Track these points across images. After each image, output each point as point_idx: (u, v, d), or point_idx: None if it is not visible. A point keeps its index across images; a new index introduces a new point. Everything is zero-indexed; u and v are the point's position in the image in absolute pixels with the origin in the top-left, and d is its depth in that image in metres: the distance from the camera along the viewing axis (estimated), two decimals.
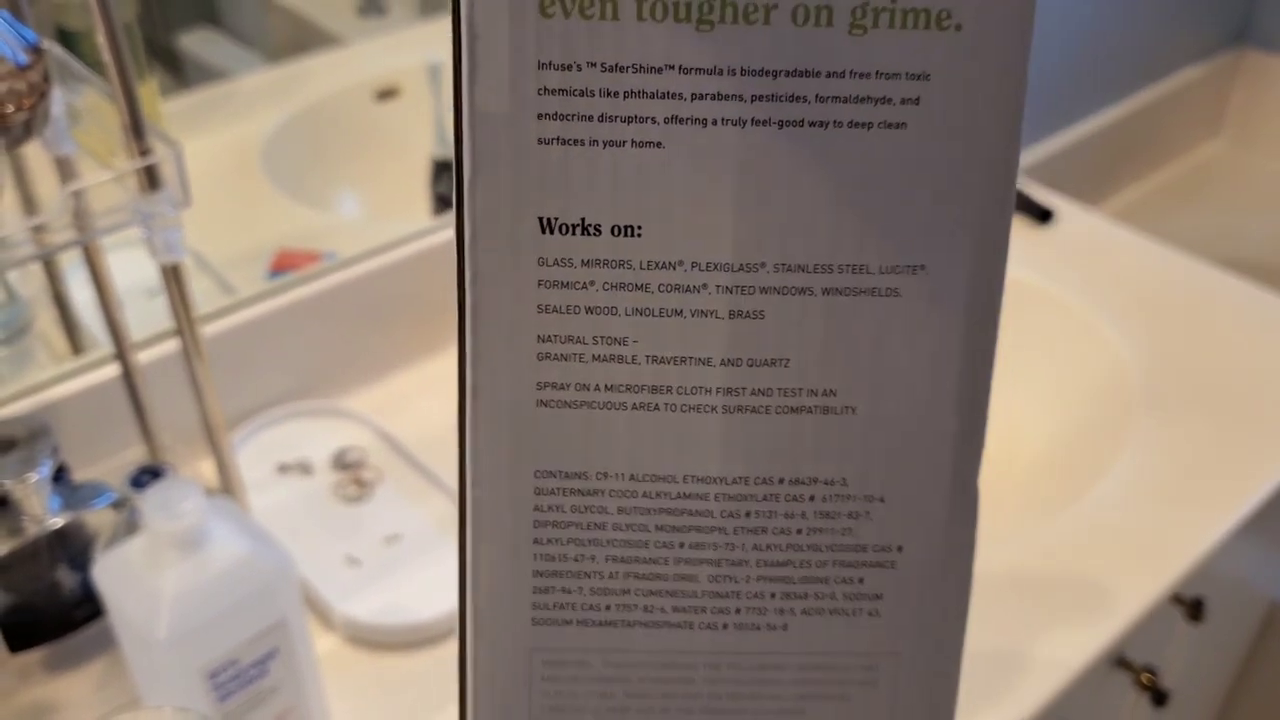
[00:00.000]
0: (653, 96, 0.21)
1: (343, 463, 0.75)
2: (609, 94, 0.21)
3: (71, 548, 0.57)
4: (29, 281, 0.71)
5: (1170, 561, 0.71)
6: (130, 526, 0.56)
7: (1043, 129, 1.34)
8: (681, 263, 0.22)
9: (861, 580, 0.24)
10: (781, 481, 0.23)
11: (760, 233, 0.21)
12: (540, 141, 0.21)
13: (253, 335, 0.75)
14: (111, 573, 0.51)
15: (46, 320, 0.72)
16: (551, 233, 0.21)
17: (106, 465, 0.66)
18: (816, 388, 0.22)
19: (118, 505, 0.58)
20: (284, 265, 0.80)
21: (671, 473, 0.23)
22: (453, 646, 0.31)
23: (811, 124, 0.21)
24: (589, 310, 0.22)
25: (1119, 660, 0.76)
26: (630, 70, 0.20)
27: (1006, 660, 0.65)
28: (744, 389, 0.22)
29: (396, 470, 0.75)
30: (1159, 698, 0.77)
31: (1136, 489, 0.76)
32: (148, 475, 0.61)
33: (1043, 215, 1.01)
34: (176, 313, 0.57)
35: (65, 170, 0.57)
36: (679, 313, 0.22)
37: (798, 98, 0.21)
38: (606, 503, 0.23)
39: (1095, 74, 1.38)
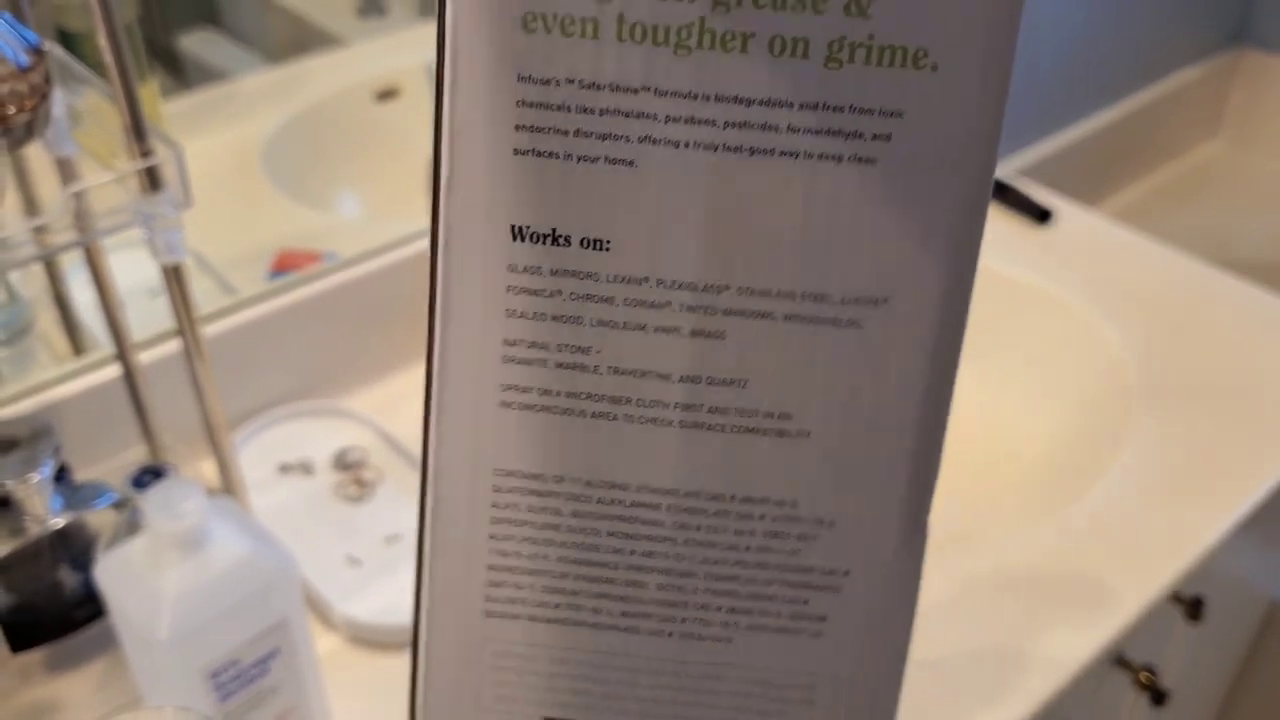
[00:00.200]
0: (628, 116, 0.21)
1: (344, 463, 0.75)
2: (585, 110, 0.21)
3: (73, 548, 0.58)
4: (30, 282, 0.71)
5: (1169, 560, 0.71)
6: (132, 526, 0.57)
7: (1042, 129, 1.34)
8: (648, 279, 0.22)
9: (806, 601, 0.24)
10: (733, 499, 0.23)
11: (726, 256, 0.22)
12: (516, 152, 0.21)
13: (254, 335, 0.75)
14: (113, 573, 0.51)
15: (48, 321, 0.72)
16: (523, 241, 0.22)
17: (108, 465, 0.66)
18: (772, 410, 0.23)
19: (119, 505, 0.58)
20: (285, 266, 0.81)
21: (626, 481, 0.23)
22: None
23: (782, 153, 0.21)
24: (555, 318, 0.22)
25: (1118, 659, 0.76)
26: (608, 89, 0.21)
27: (1006, 659, 0.65)
28: (702, 406, 0.23)
29: (397, 470, 0.75)
30: (1158, 697, 0.77)
31: (1135, 488, 0.76)
32: (149, 475, 0.61)
33: (1042, 215, 1.01)
34: (178, 313, 0.57)
35: (66, 171, 0.57)
36: (643, 327, 0.22)
37: (770, 127, 0.21)
38: (561, 505, 0.24)
39: (1094, 74, 1.38)
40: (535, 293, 0.22)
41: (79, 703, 0.60)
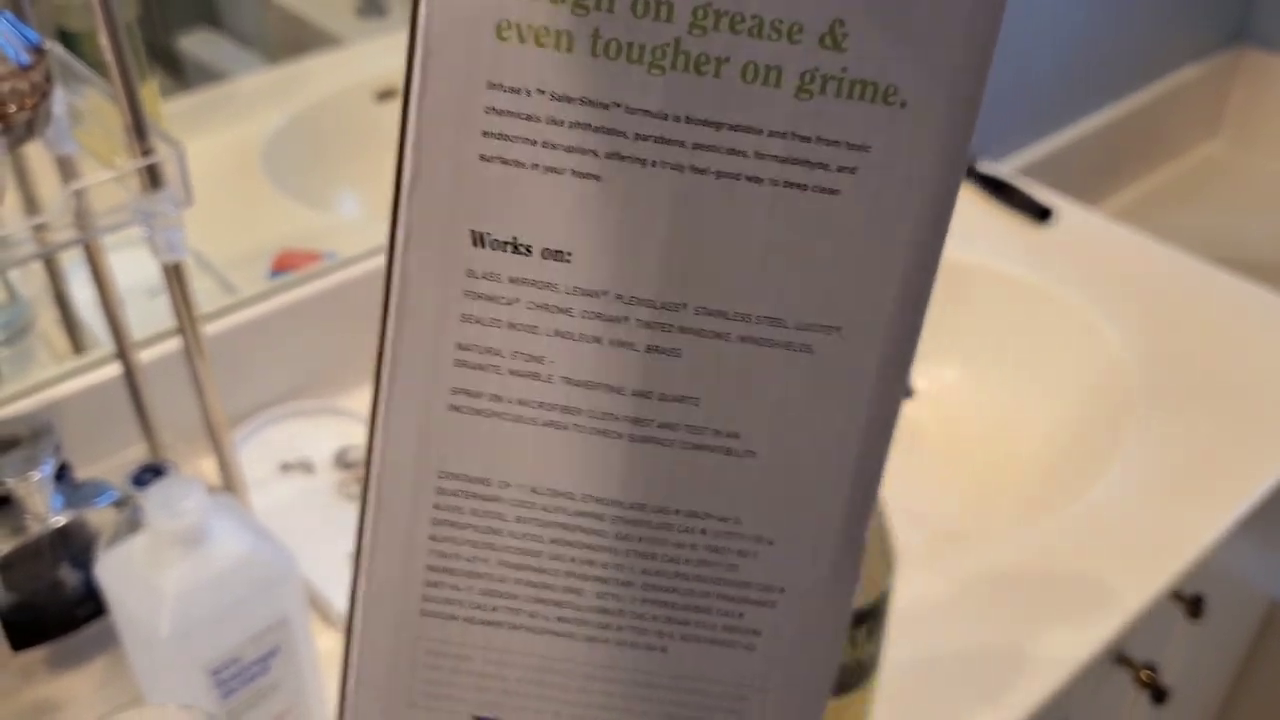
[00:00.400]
0: (597, 131, 0.21)
1: (344, 461, 0.75)
2: (554, 122, 0.21)
3: (74, 546, 0.58)
4: (31, 281, 0.71)
5: (1170, 559, 0.71)
6: (132, 525, 0.57)
7: (1042, 128, 1.34)
8: (606, 293, 0.22)
9: (741, 615, 0.25)
10: (677, 513, 0.24)
11: (685, 275, 0.22)
12: (482, 158, 0.21)
13: (254, 335, 0.75)
14: (114, 571, 0.51)
15: (48, 320, 0.72)
16: (483, 247, 0.22)
17: (108, 464, 0.66)
18: (721, 429, 0.23)
19: (120, 504, 0.58)
20: (285, 265, 0.81)
21: (571, 490, 0.24)
22: None
23: (748, 179, 0.21)
24: (511, 326, 0.22)
25: (1119, 657, 0.76)
26: (578, 102, 0.21)
27: (1007, 657, 0.65)
28: (652, 421, 0.23)
29: None
30: (1159, 695, 0.77)
31: (1136, 486, 0.76)
32: (150, 474, 0.61)
33: (1042, 214, 1.01)
34: (178, 312, 0.57)
35: (67, 170, 0.57)
36: (597, 340, 0.22)
37: (737, 151, 0.21)
38: (505, 510, 0.24)
39: (1094, 73, 1.38)
40: (492, 299, 0.22)
41: (80, 701, 0.60)
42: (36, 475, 0.55)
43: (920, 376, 0.87)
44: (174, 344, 0.63)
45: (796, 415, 0.23)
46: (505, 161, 0.21)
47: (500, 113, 0.21)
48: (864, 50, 0.20)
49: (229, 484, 0.64)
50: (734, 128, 0.21)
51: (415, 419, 0.23)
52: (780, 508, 0.24)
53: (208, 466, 0.67)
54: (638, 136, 0.21)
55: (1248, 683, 1.13)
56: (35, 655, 0.61)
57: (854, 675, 0.53)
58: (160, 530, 0.49)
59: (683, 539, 0.24)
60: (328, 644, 0.65)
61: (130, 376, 0.65)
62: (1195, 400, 0.83)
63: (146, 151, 0.51)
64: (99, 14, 0.48)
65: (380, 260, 0.80)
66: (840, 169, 0.21)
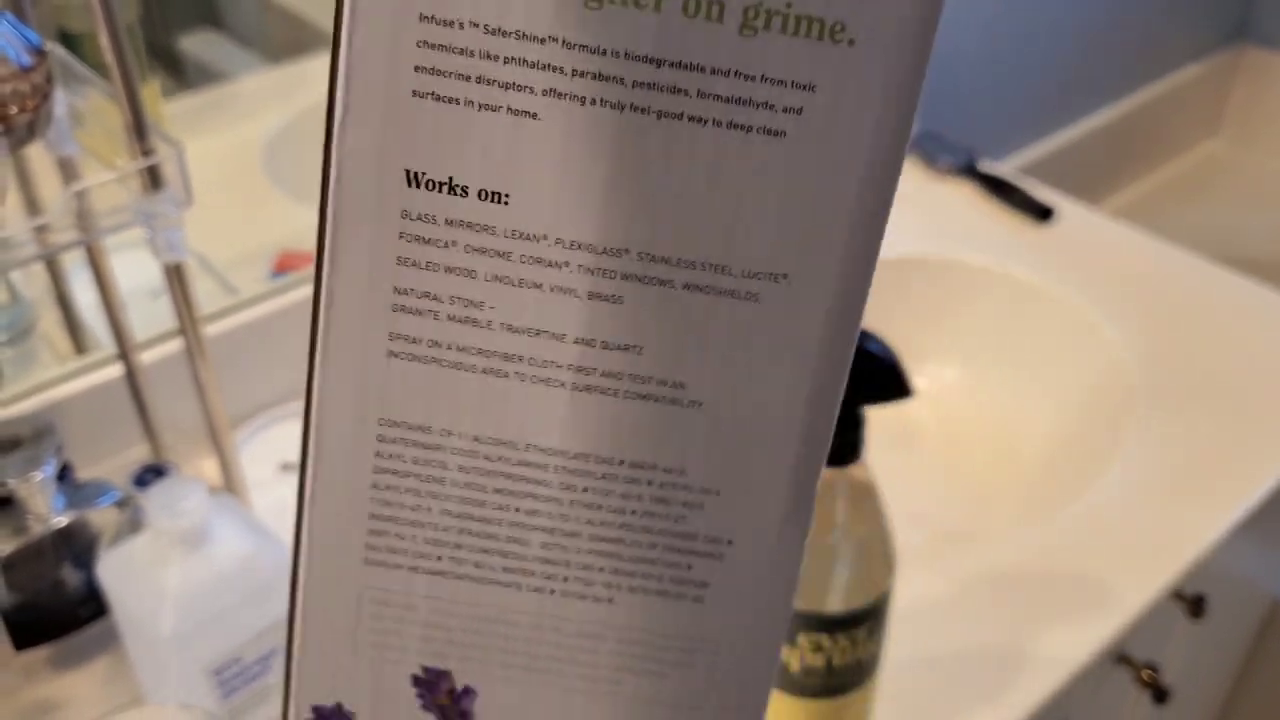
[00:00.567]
0: (533, 67, 0.20)
1: None
2: (489, 57, 0.20)
3: (76, 546, 0.58)
4: (33, 283, 0.72)
5: (1171, 558, 0.71)
6: (134, 525, 0.57)
7: (1043, 127, 1.34)
8: (546, 237, 0.21)
9: (689, 567, 0.24)
10: (621, 464, 0.23)
11: (627, 219, 0.21)
12: (415, 95, 0.20)
13: (255, 335, 0.75)
14: (115, 571, 0.51)
15: (50, 321, 0.72)
16: (417, 187, 0.21)
17: (110, 464, 0.66)
18: (666, 379, 0.23)
19: (121, 504, 0.58)
20: (286, 266, 0.81)
21: (514, 439, 0.23)
22: None
23: (690, 119, 0.21)
24: (448, 270, 0.22)
25: (1120, 657, 0.76)
26: (514, 36, 0.20)
27: (1007, 657, 0.66)
28: (595, 370, 0.23)
29: None
30: (1160, 695, 0.77)
31: (1137, 485, 0.76)
32: (151, 474, 0.61)
33: (1043, 213, 1.01)
34: (179, 312, 0.57)
35: (68, 171, 0.57)
36: (538, 285, 0.22)
37: (679, 90, 0.20)
38: (448, 459, 0.23)
39: (1095, 72, 1.38)
40: (428, 241, 0.21)
41: (82, 700, 0.60)
42: (38, 476, 0.55)
43: (920, 376, 0.87)
44: (175, 345, 0.63)
45: (744, 365, 0.23)
46: (439, 98, 0.20)
47: (433, 46, 0.20)
48: None
49: (230, 484, 0.65)
50: (675, 65, 0.20)
51: (353, 365, 0.22)
52: (727, 459, 0.23)
53: (209, 467, 0.67)
54: (575, 73, 0.20)
55: (1249, 683, 1.13)
56: (37, 655, 0.61)
57: (854, 675, 0.53)
58: (161, 530, 0.49)
59: (628, 490, 0.24)
60: None
61: (132, 377, 0.65)
62: (1196, 399, 0.83)
63: (147, 152, 0.52)
64: (99, 15, 0.48)
65: None
66: (786, 109, 0.21)
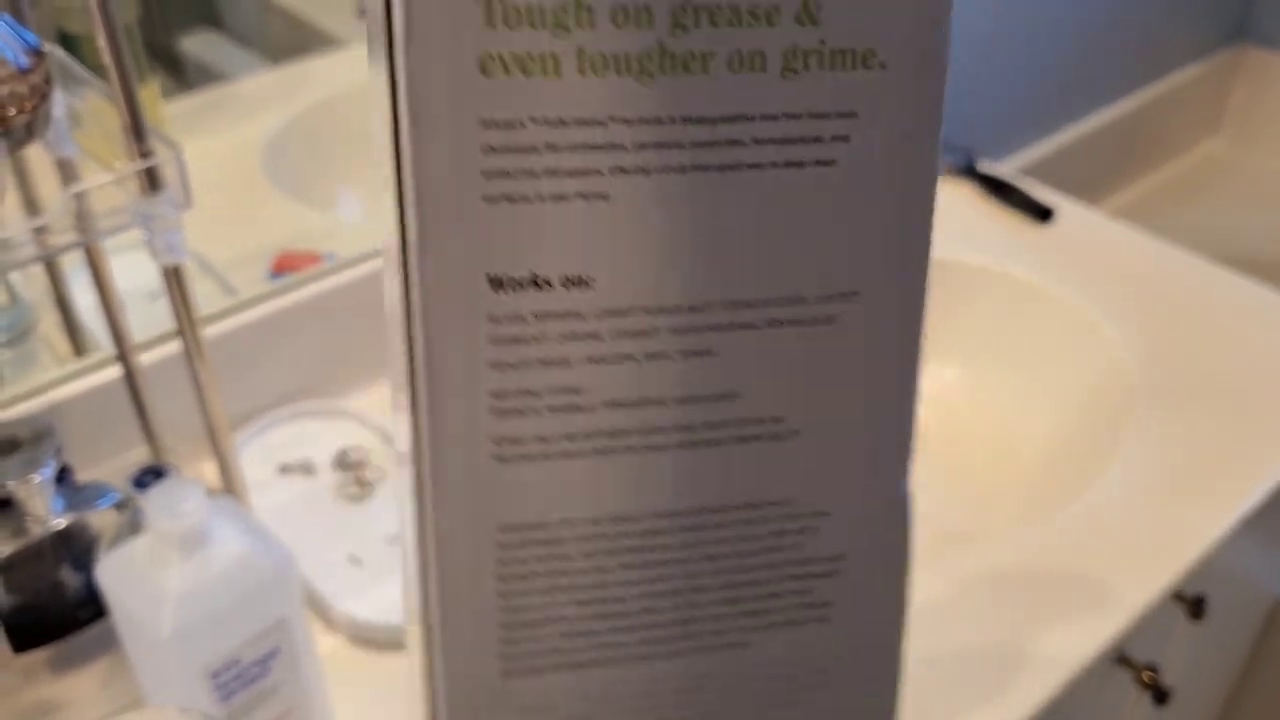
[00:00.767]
0: (597, 149, 0.21)
1: (345, 463, 0.75)
2: (553, 148, 0.21)
3: (75, 548, 0.58)
4: (31, 284, 0.72)
5: (1171, 559, 0.71)
6: (133, 527, 0.57)
7: (1042, 127, 1.34)
8: (633, 309, 0.22)
9: (811, 590, 0.25)
10: (735, 508, 0.24)
11: (706, 274, 0.22)
12: (486, 200, 0.21)
13: (254, 336, 0.75)
14: (114, 573, 0.51)
15: (49, 323, 0.72)
16: (502, 289, 0.21)
17: (109, 466, 0.66)
18: (764, 416, 0.23)
19: (121, 506, 0.58)
20: (285, 267, 0.81)
21: (631, 512, 0.23)
22: None
23: (749, 166, 0.21)
24: (543, 363, 0.22)
25: (1120, 658, 0.76)
26: (574, 124, 0.21)
27: (1007, 657, 0.65)
28: (698, 424, 0.23)
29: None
30: (1160, 696, 0.77)
31: (1137, 486, 0.76)
32: (150, 476, 0.61)
33: (1043, 213, 1.01)
34: (178, 314, 0.57)
35: (67, 172, 0.57)
36: (632, 358, 0.22)
37: (735, 141, 0.21)
38: (569, 549, 0.23)
39: (1095, 72, 1.38)
40: (520, 340, 0.22)
41: (82, 702, 0.60)
42: (37, 478, 0.55)
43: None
44: (174, 346, 0.63)
45: (831, 385, 0.23)
46: (511, 199, 0.21)
47: (498, 150, 0.20)
48: (837, 19, 0.21)
49: (229, 486, 0.64)
50: (728, 119, 0.21)
51: (462, 480, 0.22)
52: (829, 478, 0.24)
53: (208, 468, 0.67)
54: (637, 146, 0.21)
55: (1250, 683, 1.13)
56: (37, 657, 0.61)
57: None
58: (161, 532, 0.49)
59: (744, 532, 0.24)
60: (328, 646, 0.65)
61: (131, 379, 0.65)
62: (1196, 399, 0.83)
63: (145, 154, 0.51)
64: (97, 16, 0.48)
65: (380, 261, 0.80)
66: (834, 139, 0.22)
